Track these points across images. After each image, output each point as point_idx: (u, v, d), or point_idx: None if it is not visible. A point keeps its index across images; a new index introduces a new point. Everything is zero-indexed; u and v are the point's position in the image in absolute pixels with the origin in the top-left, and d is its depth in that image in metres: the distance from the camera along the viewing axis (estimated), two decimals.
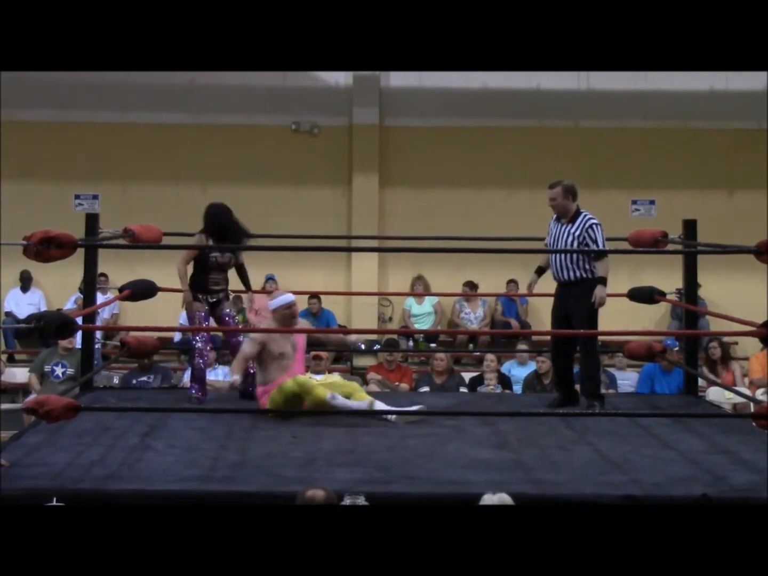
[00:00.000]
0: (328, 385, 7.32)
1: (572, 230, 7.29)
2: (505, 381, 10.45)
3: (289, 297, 7.40)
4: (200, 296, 7.64)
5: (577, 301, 7.26)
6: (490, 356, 10.56)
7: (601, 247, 7.29)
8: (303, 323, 8.24)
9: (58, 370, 10.53)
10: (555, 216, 7.45)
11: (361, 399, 7.11)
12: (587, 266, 7.26)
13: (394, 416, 6.93)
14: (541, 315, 13.59)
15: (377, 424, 6.86)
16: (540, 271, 7.72)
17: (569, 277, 7.32)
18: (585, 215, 7.32)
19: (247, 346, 7.27)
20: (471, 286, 13.12)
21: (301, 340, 7.41)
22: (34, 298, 13.28)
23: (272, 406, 7.00)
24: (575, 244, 7.28)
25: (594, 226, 7.26)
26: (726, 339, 11.77)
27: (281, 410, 6.93)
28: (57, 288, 13.23)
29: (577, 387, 7.60)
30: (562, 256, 7.31)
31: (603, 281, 7.23)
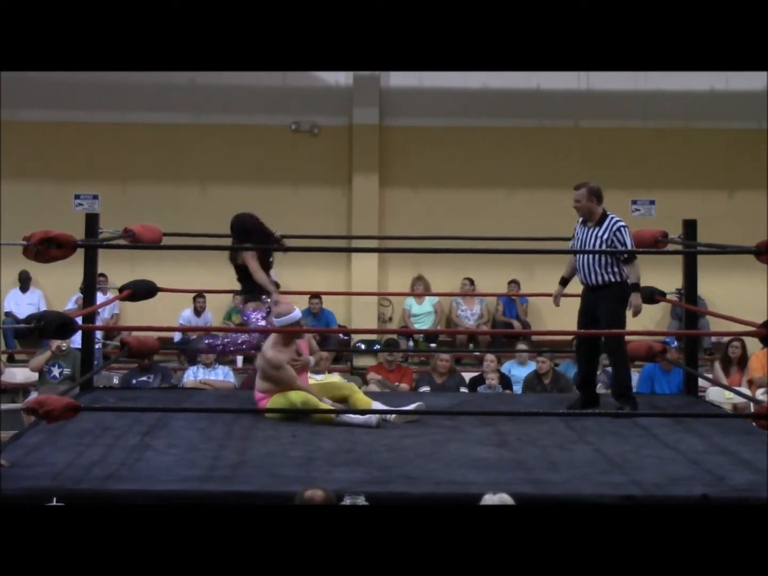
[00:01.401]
0: (326, 384, 7.30)
1: (599, 233, 7.15)
2: (505, 381, 10.45)
3: (297, 315, 7.21)
4: (263, 297, 7.63)
5: (604, 304, 7.12)
6: (489, 356, 10.55)
7: (629, 249, 7.15)
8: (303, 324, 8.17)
9: (55, 371, 10.51)
10: (581, 219, 7.32)
11: (359, 401, 7.08)
12: (615, 269, 7.12)
13: (392, 416, 6.92)
14: (541, 315, 13.61)
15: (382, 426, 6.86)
16: (564, 282, 7.51)
17: (597, 281, 7.15)
18: (612, 218, 7.19)
19: (280, 372, 6.95)
20: (470, 281, 13.17)
21: (304, 345, 7.29)
22: (34, 298, 13.28)
23: (273, 407, 6.97)
24: (603, 248, 7.13)
25: (622, 228, 7.13)
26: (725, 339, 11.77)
27: (281, 409, 6.91)
28: (57, 288, 13.23)
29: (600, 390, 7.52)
30: (590, 259, 7.14)
31: (637, 288, 7.14)
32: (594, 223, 7.21)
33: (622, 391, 7.26)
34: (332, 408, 6.82)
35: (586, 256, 7.18)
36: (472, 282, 13.26)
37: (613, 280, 7.13)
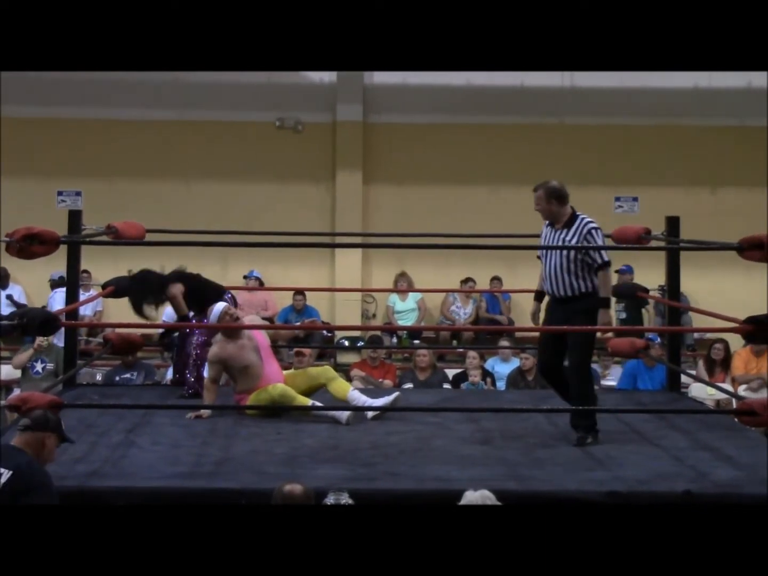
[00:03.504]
0: (302, 374, 7.27)
1: (567, 238, 6.26)
2: (488, 377, 10.46)
3: (221, 305, 7.20)
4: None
5: (573, 320, 6.23)
6: (472, 353, 10.55)
7: (602, 254, 6.23)
8: (255, 319, 8.11)
9: (38, 366, 10.47)
10: (547, 222, 6.44)
11: (336, 388, 7.10)
12: (587, 276, 6.24)
13: (370, 414, 6.92)
14: (524, 311, 13.62)
15: (360, 420, 6.86)
16: (539, 297, 6.60)
17: (566, 292, 6.27)
18: (582, 219, 6.28)
19: (209, 371, 7.14)
20: (466, 281, 13.19)
21: (260, 337, 7.25)
22: (14, 295, 13.20)
23: (254, 403, 6.98)
24: (572, 254, 6.19)
25: (593, 230, 6.23)
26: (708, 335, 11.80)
27: (264, 406, 6.91)
28: (37, 285, 13.16)
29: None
30: (557, 267, 6.27)
31: (605, 303, 6.27)
32: (561, 225, 6.32)
33: (587, 422, 6.33)
34: (309, 405, 6.82)
35: (553, 263, 6.30)
36: (467, 282, 13.26)
37: (584, 290, 6.26)
